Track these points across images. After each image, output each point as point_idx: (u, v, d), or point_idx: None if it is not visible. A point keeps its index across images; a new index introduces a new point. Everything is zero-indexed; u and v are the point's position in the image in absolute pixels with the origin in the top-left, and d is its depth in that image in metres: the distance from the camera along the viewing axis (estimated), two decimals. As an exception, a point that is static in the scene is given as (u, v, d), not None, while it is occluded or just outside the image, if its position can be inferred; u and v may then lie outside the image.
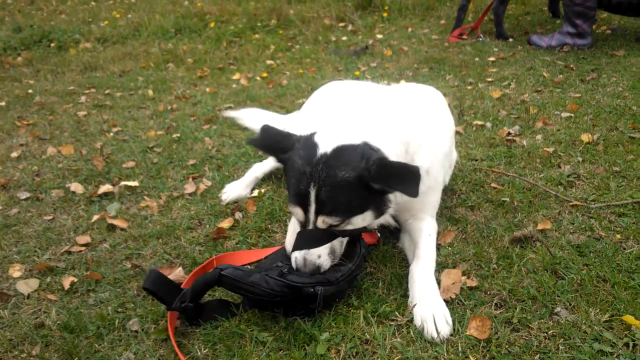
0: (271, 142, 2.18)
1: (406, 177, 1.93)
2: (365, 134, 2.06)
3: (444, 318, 1.92)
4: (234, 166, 3.53)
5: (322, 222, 2.00)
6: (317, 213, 1.98)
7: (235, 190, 3.10)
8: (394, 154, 2.09)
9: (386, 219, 2.27)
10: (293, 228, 2.24)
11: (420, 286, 2.08)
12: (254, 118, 4.16)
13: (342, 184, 1.94)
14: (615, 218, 2.52)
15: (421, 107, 2.51)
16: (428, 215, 2.44)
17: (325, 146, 2.01)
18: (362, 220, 2.06)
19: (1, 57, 7.55)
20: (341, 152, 1.99)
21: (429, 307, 1.97)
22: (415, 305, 2.00)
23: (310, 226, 2.02)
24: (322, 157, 1.98)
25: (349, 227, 2.05)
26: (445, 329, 1.89)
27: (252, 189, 3.17)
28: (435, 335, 1.87)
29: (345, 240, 2.15)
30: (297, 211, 2.03)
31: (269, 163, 3.26)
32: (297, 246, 2.04)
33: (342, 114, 2.30)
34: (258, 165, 3.28)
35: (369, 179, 1.93)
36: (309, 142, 2.07)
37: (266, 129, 2.24)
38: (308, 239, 2.03)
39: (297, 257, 2.03)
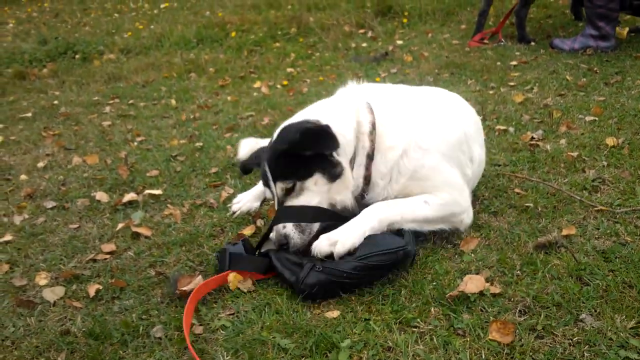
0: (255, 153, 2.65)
1: (319, 137, 2.27)
2: (309, 113, 2.48)
3: (329, 242, 2.23)
4: (255, 174, 3.53)
5: (280, 189, 2.35)
6: (274, 182, 2.34)
7: (245, 202, 3.07)
8: (339, 126, 2.36)
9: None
10: None
11: (359, 217, 2.34)
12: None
13: (280, 154, 2.31)
14: (641, 223, 2.48)
15: (415, 100, 2.66)
16: (439, 191, 2.46)
17: (276, 131, 2.45)
18: (315, 184, 2.34)
19: (27, 69, 7.70)
20: (283, 131, 2.41)
21: (341, 233, 2.26)
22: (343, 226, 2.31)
23: (275, 198, 2.38)
24: (272, 140, 2.44)
25: (308, 193, 2.34)
26: (323, 249, 2.22)
27: (263, 200, 3.13)
28: (314, 251, 2.24)
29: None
30: (266, 190, 2.47)
31: None
32: (274, 221, 2.36)
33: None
34: None
35: (297, 147, 2.26)
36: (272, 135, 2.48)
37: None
38: (281, 214, 2.36)
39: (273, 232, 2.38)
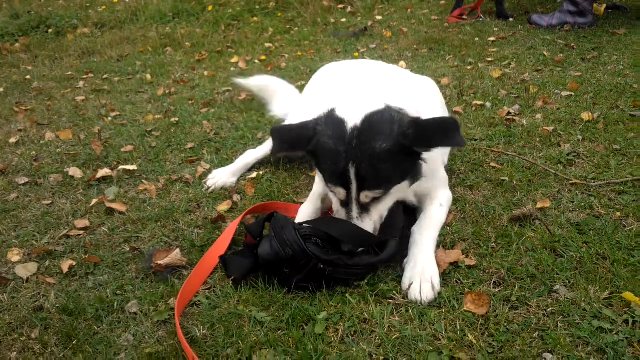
0: (290, 139, 2.12)
1: (448, 130, 1.90)
2: (384, 98, 2.04)
3: (430, 284, 1.96)
4: (232, 149, 3.52)
5: (365, 197, 2.00)
6: (360, 190, 1.97)
7: (221, 178, 3.05)
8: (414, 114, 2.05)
9: (409, 199, 2.38)
10: (307, 207, 2.43)
11: (419, 248, 2.13)
12: (264, 84, 3.86)
13: (382, 156, 1.91)
14: (615, 196, 2.50)
15: (418, 87, 2.59)
16: (440, 188, 2.46)
17: (353, 119, 1.96)
18: (400, 190, 2.08)
19: (-1, 43, 7.52)
20: (371, 121, 1.95)
21: (421, 270, 2.01)
22: (407, 263, 2.08)
23: (353, 203, 2.01)
24: (354, 131, 1.94)
25: (388, 199, 2.07)
26: (430, 294, 1.93)
27: (239, 177, 3.12)
28: (418, 298, 1.93)
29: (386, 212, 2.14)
30: (339, 191, 2.02)
31: (263, 149, 3.20)
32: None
33: (354, 86, 2.31)
34: (250, 151, 3.22)
35: (409, 144, 1.91)
36: (333, 119, 2.02)
37: (277, 130, 2.17)
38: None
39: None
